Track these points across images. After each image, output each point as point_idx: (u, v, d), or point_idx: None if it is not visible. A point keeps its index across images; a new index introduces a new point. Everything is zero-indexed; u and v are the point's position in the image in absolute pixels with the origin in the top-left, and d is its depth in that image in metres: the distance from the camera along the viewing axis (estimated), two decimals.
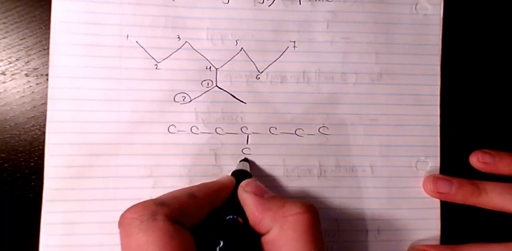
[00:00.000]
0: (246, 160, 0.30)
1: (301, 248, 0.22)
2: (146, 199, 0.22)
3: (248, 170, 0.29)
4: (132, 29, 0.30)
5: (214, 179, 0.30)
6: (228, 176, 0.28)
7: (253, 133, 0.31)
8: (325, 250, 0.23)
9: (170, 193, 0.24)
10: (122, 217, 0.22)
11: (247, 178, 0.27)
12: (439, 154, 0.32)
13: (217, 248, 0.21)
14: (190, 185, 0.25)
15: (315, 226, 0.23)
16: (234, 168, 0.30)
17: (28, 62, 0.30)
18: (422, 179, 0.31)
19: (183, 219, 0.22)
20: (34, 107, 0.30)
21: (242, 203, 0.25)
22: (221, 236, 0.22)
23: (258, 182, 0.26)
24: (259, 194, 0.24)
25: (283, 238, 0.22)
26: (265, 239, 0.23)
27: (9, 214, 0.30)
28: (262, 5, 0.31)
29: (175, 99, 0.30)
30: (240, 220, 0.24)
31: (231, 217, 0.24)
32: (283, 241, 0.22)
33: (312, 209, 0.23)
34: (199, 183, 0.26)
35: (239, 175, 0.28)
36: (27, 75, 0.30)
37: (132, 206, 0.22)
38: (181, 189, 0.24)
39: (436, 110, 0.32)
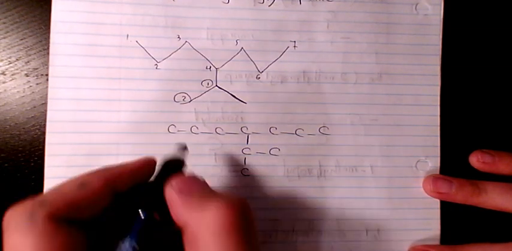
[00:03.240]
0: (184, 147, 0.27)
1: (219, 245, 0.20)
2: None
3: (184, 158, 0.26)
4: (132, 28, 0.30)
5: (215, 179, 0.30)
6: (146, 158, 0.25)
7: (253, 133, 0.31)
8: (252, 245, 0.21)
9: (58, 185, 0.22)
10: (3, 219, 0.20)
11: (178, 166, 0.25)
12: (439, 154, 0.32)
13: (126, 246, 0.20)
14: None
15: (239, 223, 0.21)
16: (233, 168, 0.30)
17: (28, 62, 0.30)
18: (422, 179, 0.31)
19: (72, 214, 0.20)
20: (34, 107, 0.30)
21: (167, 200, 0.22)
22: (132, 236, 0.20)
23: (190, 177, 0.23)
24: (186, 192, 0.22)
25: (201, 235, 0.20)
26: (184, 235, 0.21)
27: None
28: (263, 4, 0.31)
29: (175, 99, 0.30)
30: (156, 215, 0.22)
31: (145, 213, 0.22)
32: (201, 238, 0.20)
33: (236, 205, 0.21)
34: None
35: (170, 165, 0.25)
36: (27, 75, 0.30)
37: (15, 205, 0.20)
38: (72, 179, 0.22)
39: (436, 110, 0.32)
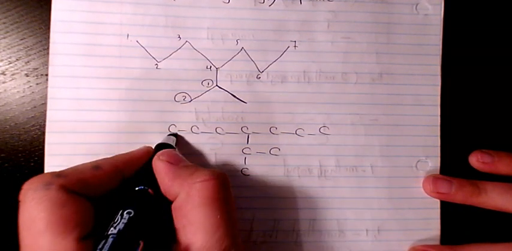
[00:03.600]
0: (174, 134, 0.30)
1: (208, 213, 0.22)
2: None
3: (173, 144, 0.28)
4: (133, 28, 0.30)
5: None
6: (146, 146, 0.28)
7: (253, 132, 0.31)
8: (234, 217, 0.23)
9: (74, 166, 0.24)
10: (21, 188, 0.22)
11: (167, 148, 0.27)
12: (439, 154, 0.32)
13: (121, 218, 0.22)
14: None
15: (222, 193, 0.23)
16: (233, 167, 0.30)
17: (28, 62, 0.30)
18: (422, 179, 0.31)
19: (83, 190, 0.22)
20: (34, 107, 0.30)
21: (155, 172, 0.25)
22: (126, 206, 0.22)
23: (176, 152, 0.26)
24: (173, 163, 0.25)
25: (190, 204, 0.22)
26: (174, 206, 0.23)
27: (9, 214, 0.30)
28: (263, 4, 0.31)
29: (176, 99, 0.30)
30: (150, 190, 0.24)
31: (141, 187, 0.24)
32: (189, 206, 0.22)
33: (220, 177, 0.23)
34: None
35: (161, 148, 0.27)
36: (27, 75, 0.30)
37: (31, 178, 0.22)
38: (88, 162, 0.25)
39: (437, 110, 0.32)
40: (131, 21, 0.30)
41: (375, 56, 0.32)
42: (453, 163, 0.32)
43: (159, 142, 0.28)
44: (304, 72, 0.31)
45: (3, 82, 0.30)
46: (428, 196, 0.31)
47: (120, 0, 0.30)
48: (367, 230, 0.31)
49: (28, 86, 0.30)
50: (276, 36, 0.31)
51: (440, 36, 0.32)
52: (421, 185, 0.31)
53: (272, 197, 0.30)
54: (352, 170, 0.31)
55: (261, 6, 0.31)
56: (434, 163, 0.32)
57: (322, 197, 0.31)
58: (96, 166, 0.24)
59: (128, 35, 0.30)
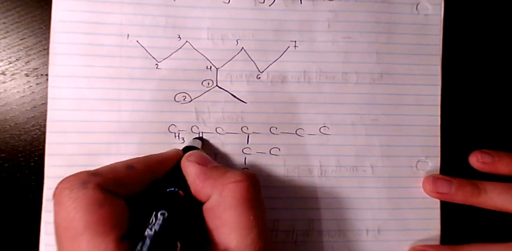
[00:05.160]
0: (200, 138, 0.30)
1: (241, 214, 0.22)
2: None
3: (199, 147, 0.29)
4: (133, 28, 0.30)
5: None
6: (175, 149, 0.28)
7: (253, 132, 0.31)
8: (265, 218, 0.23)
9: (108, 164, 0.24)
10: (56, 187, 0.22)
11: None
12: (439, 154, 0.32)
13: (156, 219, 0.22)
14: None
15: (254, 194, 0.23)
16: (234, 167, 0.30)
17: (28, 62, 0.30)
18: (422, 179, 0.31)
19: (118, 189, 0.22)
20: (34, 107, 0.30)
21: (184, 173, 0.25)
22: (160, 208, 0.22)
23: (203, 153, 0.27)
24: (202, 164, 0.25)
25: (223, 204, 0.22)
26: (205, 207, 0.23)
27: (9, 214, 0.30)
28: (263, 4, 0.31)
29: (176, 99, 0.30)
30: (180, 192, 0.24)
31: (172, 189, 0.24)
32: (222, 207, 0.22)
33: (252, 178, 0.23)
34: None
35: (188, 150, 0.27)
36: (27, 75, 0.30)
37: (66, 177, 0.22)
38: (121, 161, 0.25)
39: (437, 110, 0.32)
40: (131, 21, 0.30)
41: (375, 56, 0.32)
42: (453, 163, 0.32)
43: (186, 145, 0.29)
44: (304, 72, 0.31)
45: (3, 82, 0.30)
46: (428, 196, 0.31)
47: (121, 0, 0.30)
48: (367, 231, 0.31)
49: (28, 86, 0.30)
50: (276, 36, 0.31)
51: (441, 36, 0.32)
52: (421, 185, 0.31)
53: (272, 197, 0.30)
54: (353, 170, 0.31)
55: (261, 6, 0.31)
56: (434, 163, 0.32)
57: (322, 197, 0.31)
58: (129, 166, 0.24)
59: (128, 35, 0.30)
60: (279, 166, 0.31)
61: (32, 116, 0.30)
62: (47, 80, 0.30)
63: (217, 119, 0.31)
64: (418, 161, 0.31)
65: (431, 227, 0.31)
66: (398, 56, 0.32)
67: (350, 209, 0.31)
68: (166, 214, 0.22)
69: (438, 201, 0.31)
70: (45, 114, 0.29)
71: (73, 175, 0.22)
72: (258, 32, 0.31)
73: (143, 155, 0.26)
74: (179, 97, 0.30)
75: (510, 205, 0.29)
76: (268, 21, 0.31)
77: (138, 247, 0.20)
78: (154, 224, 0.21)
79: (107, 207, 0.21)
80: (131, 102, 0.30)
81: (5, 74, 0.30)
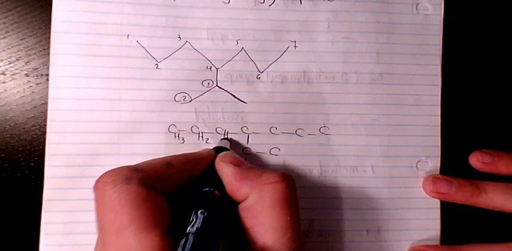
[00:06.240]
0: (227, 139, 0.30)
1: (278, 215, 0.22)
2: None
3: (228, 148, 0.29)
4: (133, 28, 0.30)
5: None
6: (208, 148, 0.29)
7: (253, 132, 0.31)
8: (299, 219, 0.24)
9: (147, 160, 0.24)
10: (97, 181, 0.22)
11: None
12: (439, 154, 0.32)
13: (196, 218, 0.22)
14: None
15: (291, 195, 0.23)
16: None
17: (28, 62, 0.30)
18: (422, 179, 0.31)
19: (158, 185, 0.22)
20: (34, 107, 0.30)
21: (219, 173, 0.25)
22: (199, 207, 0.22)
23: (236, 154, 0.27)
24: (236, 165, 0.25)
25: (260, 204, 0.23)
26: (242, 206, 0.23)
27: (9, 214, 0.30)
28: (263, 4, 0.31)
29: (176, 99, 0.30)
30: (216, 192, 0.24)
31: (207, 189, 0.24)
32: (260, 207, 0.23)
33: (289, 179, 0.24)
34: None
35: (219, 150, 0.28)
36: (27, 75, 0.30)
37: (107, 171, 0.22)
38: (158, 158, 0.25)
39: (437, 110, 0.32)
40: (131, 21, 0.30)
41: (375, 56, 0.32)
42: (453, 163, 0.32)
43: (215, 145, 0.29)
44: (304, 72, 0.31)
45: (3, 82, 0.30)
46: (428, 196, 0.31)
47: (121, 0, 0.30)
48: (367, 231, 0.31)
49: (28, 86, 0.30)
50: (276, 37, 0.31)
51: (441, 36, 0.32)
52: (421, 185, 0.31)
53: None
54: (353, 170, 0.31)
55: (261, 7, 0.31)
56: (434, 163, 0.32)
57: (322, 197, 0.31)
58: (168, 163, 0.24)
59: (128, 35, 0.30)
60: (279, 166, 0.31)
61: (32, 116, 0.30)
62: (47, 80, 0.30)
63: (217, 119, 0.31)
64: (418, 161, 0.31)
65: (431, 227, 0.31)
66: (398, 56, 0.32)
67: (350, 209, 0.31)
68: (206, 213, 0.22)
69: (438, 201, 0.31)
70: (45, 114, 0.29)
71: (114, 169, 0.22)
72: (258, 32, 0.31)
73: (180, 153, 0.26)
74: (179, 97, 0.30)
75: (510, 205, 0.29)
76: (268, 21, 0.31)
77: (182, 243, 0.20)
78: (195, 223, 0.22)
79: (151, 202, 0.21)
80: (131, 102, 0.30)
81: (5, 74, 0.30)
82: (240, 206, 0.24)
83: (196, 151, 0.29)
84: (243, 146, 0.31)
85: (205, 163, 0.27)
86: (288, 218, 0.22)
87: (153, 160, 0.25)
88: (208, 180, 0.26)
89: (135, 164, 0.24)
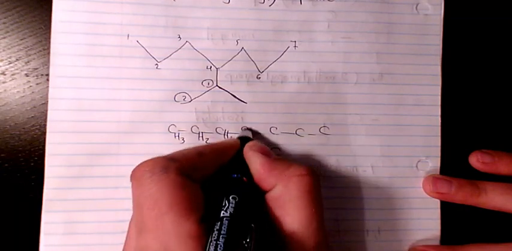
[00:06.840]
0: (249, 128, 0.31)
1: (304, 206, 0.23)
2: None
3: (251, 137, 0.30)
4: (133, 28, 0.30)
5: None
6: (233, 138, 0.30)
7: None
8: (323, 213, 0.24)
9: (179, 151, 0.25)
10: (134, 170, 0.23)
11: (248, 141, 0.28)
12: (439, 154, 0.32)
13: (228, 203, 0.23)
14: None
15: (316, 188, 0.24)
16: None
17: (28, 62, 0.30)
18: (422, 179, 0.31)
19: (193, 174, 0.23)
20: (34, 107, 0.30)
21: (248, 161, 0.26)
22: (231, 192, 0.23)
23: (264, 144, 0.28)
24: (265, 154, 0.26)
25: (288, 195, 0.24)
26: (269, 196, 0.24)
27: (9, 214, 0.30)
28: (263, 4, 0.31)
29: (176, 99, 0.30)
30: (244, 179, 0.25)
31: (236, 175, 0.25)
32: (287, 198, 0.23)
33: (315, 173, 0.25)
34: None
35: (243, 140, 0.28)
36: (27, 75, 0.30)
37: (144, 161, 0.23)
38: (189, 148, 0.26)
39: (437, 110, 0.32)
40: (132, 21, 0.30)
41: (375, 56, 0.32)
42: (453, 163, 0.32)
43: (238, 135, 0.30)
44: (304, 72, 0.31)
45: (3, 82, 0.30)
46: (428, 196, 0.31)
47: (121, 0, 0.30)
48: (367, 231, 0.31)
49: (28, 86, 0.30)
50: (276, 36, 0.31)
51: (441, 36, 0.32)
52: (421, 185, 0.31)
53: None
54: (353, 170, 0.31)
55: (261, 7, 0.31)
56: (434, 163, 0.32)
57: (322, 197, 0.31)
58: (200, 153, 0.25)
59: (128, 35, 0.30)
60: None
61: (32, 116, 0.30)
62: (47, 80, 0.30)
63: (217, 119, 0.31)
64: (418, 161, 0.31)
65: (431, 227, 0.31)
66: (398, 56, 0.32)
67: (350, 209, 0.31)
68: (237, 198, 0.23)
69: (438, 201, 0.31)
70: (45, 114, 0.29)
71: (151, 159, 0.23)
72: (258, 32, 0.31)
73: (206, 144, 0.28)
74: (179, 97, 0.30)
75: (510, 205, 0.29)
76: (268, 21, 0.31)
77: (217, 227, 0.21)
78: (228, 207, 0.22)
79: (187, 190, 0.22)
80: (131, 102, 0.30)
81: (5, 74, 0.30)
82: (267, 195, 0.24)
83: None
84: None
85: (233, 151, 0.27)
86: (313, 210, 0.23)
87: (185, 150, 0.25)
88: (236, 167, 0.26)
89: (170, 154, 0.24)
